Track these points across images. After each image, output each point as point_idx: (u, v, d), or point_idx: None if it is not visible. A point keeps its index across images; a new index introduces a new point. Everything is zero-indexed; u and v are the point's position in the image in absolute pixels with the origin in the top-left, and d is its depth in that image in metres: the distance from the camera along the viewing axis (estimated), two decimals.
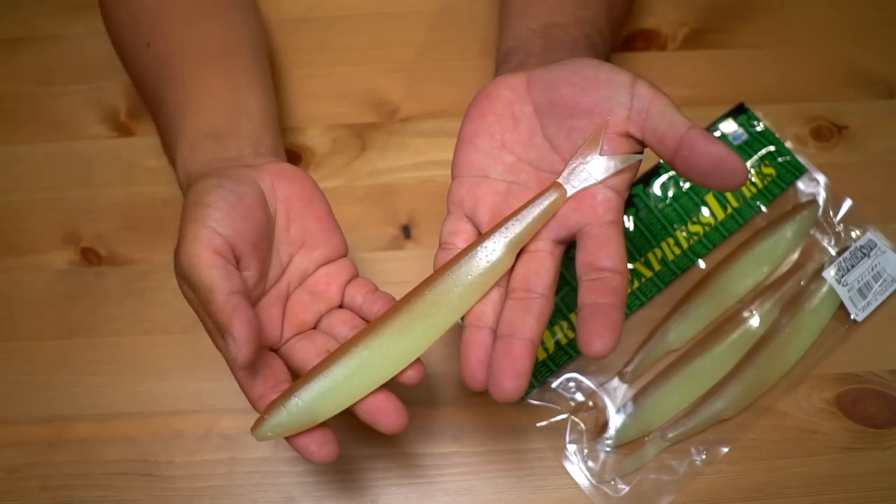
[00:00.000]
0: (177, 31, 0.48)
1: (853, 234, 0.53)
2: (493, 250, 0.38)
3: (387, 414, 0.38)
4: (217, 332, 0.38)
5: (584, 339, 0.34)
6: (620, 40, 0.59)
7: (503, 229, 0.38)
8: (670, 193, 0.54)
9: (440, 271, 0.38)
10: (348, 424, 0.49)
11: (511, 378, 0.35)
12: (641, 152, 0.38)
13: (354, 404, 0.38)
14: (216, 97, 0.46)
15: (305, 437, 0.38)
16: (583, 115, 0.38)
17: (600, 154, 0.38)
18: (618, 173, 0.38)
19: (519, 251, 0.38)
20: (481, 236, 0.38)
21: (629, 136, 0.38)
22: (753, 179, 0.55)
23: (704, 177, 0.36)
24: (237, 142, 0.44)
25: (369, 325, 0.39)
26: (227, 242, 0.38)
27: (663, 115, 0.36)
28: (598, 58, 0.42)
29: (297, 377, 0.39)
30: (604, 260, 0.36)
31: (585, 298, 0.35)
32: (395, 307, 0.39)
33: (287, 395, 0.38)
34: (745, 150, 0.55)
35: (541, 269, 0.38)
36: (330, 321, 0.42)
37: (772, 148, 0.55)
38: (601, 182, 0.38)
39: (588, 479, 0.48)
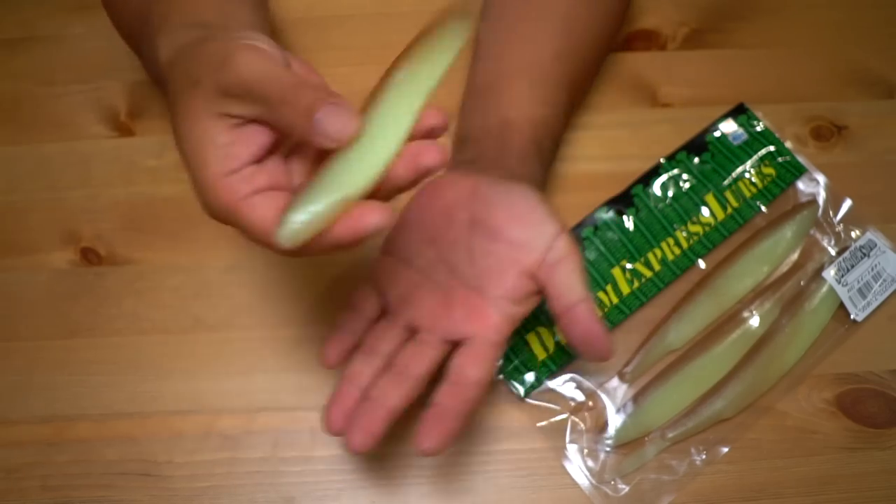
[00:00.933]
0: None
1: (853, 234, 0.53)
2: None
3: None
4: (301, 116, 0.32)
5: (420, 436, 0.39)
6: (620, 40, 0.59)
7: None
8: (670, 193, 0.54)
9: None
10: None
11: (366, 434, 0.40)
12: (539, 295, 0.42)
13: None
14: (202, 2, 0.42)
15: (356, 214, 0.33)
16: (504, 244, 0.42)
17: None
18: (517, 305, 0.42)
19: (411, 335, 0.43)
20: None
21: (533, 277, 0.41)
22: (753, 179, 0.55)
23: (576, 345, 0.41)
24: (227, 29, 0.40)
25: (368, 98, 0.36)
26: (283, 59, 0.35)
27: (567, 277, 0.41)
28: (544, 166, 0.48)
29: None
30: (472, 372, 0.40)
31: (438, 398, 0.40)
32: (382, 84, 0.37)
33: (304, 184, 0.33)
34: (745, 150, 0.55)
35: (423, 357, 0.42)
36: None
37: (772, 148, 0.55)
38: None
39: (588, 479, 0.48)
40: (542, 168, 0.48)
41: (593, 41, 0.52)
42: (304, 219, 0.32)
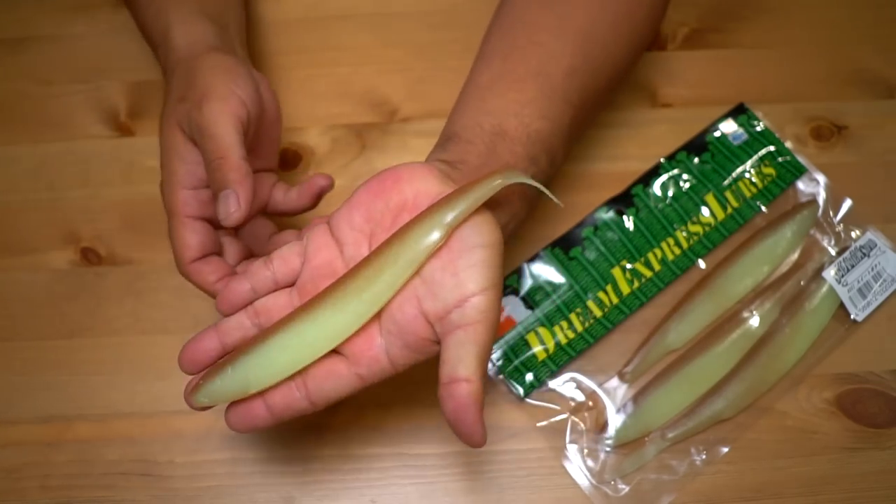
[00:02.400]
0: None
1: (853, 234, 0.53)
2: (429, 231, 0.37)
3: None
4: (215, 188, 0.42)
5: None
6: None
7: (441, 211, 0.37)
8: (670, 193, 0.54)
9: (376, 252, 0.38)
10: (348, 424, 0.49)
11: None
12: (436, 349, 0.37)
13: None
14: None
15: (240, 408, 0.39)
16: (419, 277, 0.37)
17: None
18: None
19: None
20: (417, 217, 0.37)
21: (432, 327, 0.37)
22: (753, 179, 0.55)
23: (447, 420, 0.36)
24: (229, 35, 0.48)
25: (307, 302, 0.39)
26: (247, 120, 0.42)
27: (461, 347, 0.36)
28: (525, 196, 0.42)
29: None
30: (313, 390, 0.38)
31: (270, 394, 0.39)
32: (333, 286, 0.38)
33: (222, 364, 0.39)
34: (745, 150, 0.55)
35: (375, 357, 0.38)
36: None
37: (772, 148, 0.55)
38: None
39: (588, 479, 0.48)
40: (523, 202, 0.43)
41: (612, 64, 0.47)
42: (213, 397, 0.39)
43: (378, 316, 0.38)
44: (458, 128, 0.43)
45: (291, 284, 0.40)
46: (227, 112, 0.42)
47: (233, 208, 0.41)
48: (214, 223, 0.44)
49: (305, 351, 0.38)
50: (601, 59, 0.46)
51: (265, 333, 0.39)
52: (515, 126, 0.42)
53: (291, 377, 0.38)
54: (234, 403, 0.39)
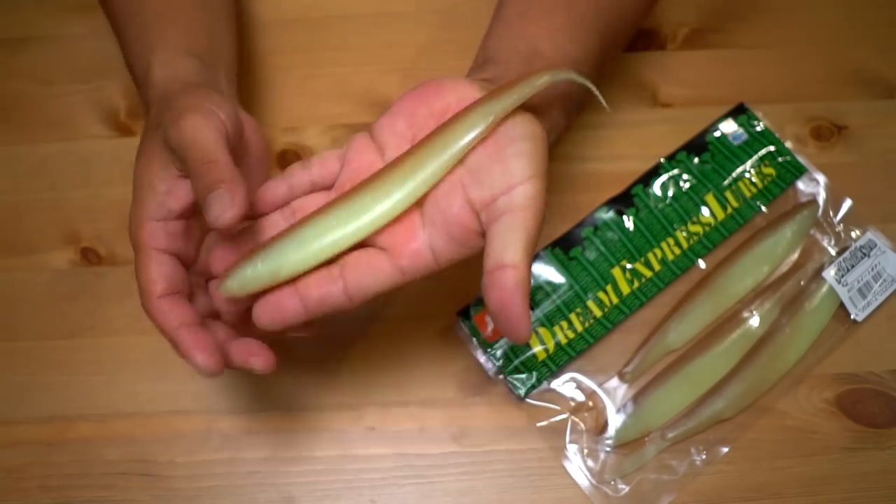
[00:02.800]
0: None
1: (853, 234, 0.53)
2: (474, 122, 0.36)
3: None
4: (201, 192, 0.37)
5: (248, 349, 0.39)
6: None
7: (486, 103, 0.37)
8: (670, 193, 0.54)
9: (418, 143, 0.37)
10: (348, 424, 0.49)
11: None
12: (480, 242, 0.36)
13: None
14: (196, 25, 0.46)
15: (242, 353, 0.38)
16: (463, 166, 0.37)
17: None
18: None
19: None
20: (461, 110, 0.37)
21: (478, 216, 0.36)
22: (753, 179, 0.55)
23: (490, 313, 0.35)
24: (215, 72, 0.44)
25: (345, 192, 0.38)
26: (228, 137, 0.38)
27: (508, 231, 0.35)
28: (566, 111, 0.42)
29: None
30: (351, 281, 0.37)
31: (280, 291, 0.37)
32: (373, 175, 0.37)
33: (252, 251, 0.37)
34: (745, 150, 0.55)
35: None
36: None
37: (772, 148, 0.55)
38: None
39: (588, 479, 0.48)
40: (562, 112, 0.43)
41: (633, 3, 0.49)
42: (243, 285, 0.36)
43: (421, 208, 0.37)
44: (492, 52, 0.43)
45: (329, 188, 0.39)
46: (210, 126, 0.38)
47: (226, 206, 0.35)
48: (183, 259, 0.40)
49: (341, 235, 0.36)
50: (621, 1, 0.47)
51: (299, 221, 0.37)
52: (550, 49, 0.42)
53: (328, 267, 0.37)
54: (262, 296, 0.37)
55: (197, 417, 0.50)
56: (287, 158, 0.56)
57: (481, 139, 0.36)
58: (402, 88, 0.58)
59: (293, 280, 0.37)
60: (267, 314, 0.37)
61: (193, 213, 0.40)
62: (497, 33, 0.45)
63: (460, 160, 0.37)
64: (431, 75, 0.58)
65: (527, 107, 0.38)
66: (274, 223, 0.39)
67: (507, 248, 0.34)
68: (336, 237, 0.36)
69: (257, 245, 0.38)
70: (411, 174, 0.37)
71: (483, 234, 0.36)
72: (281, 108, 0.58)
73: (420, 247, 0.37)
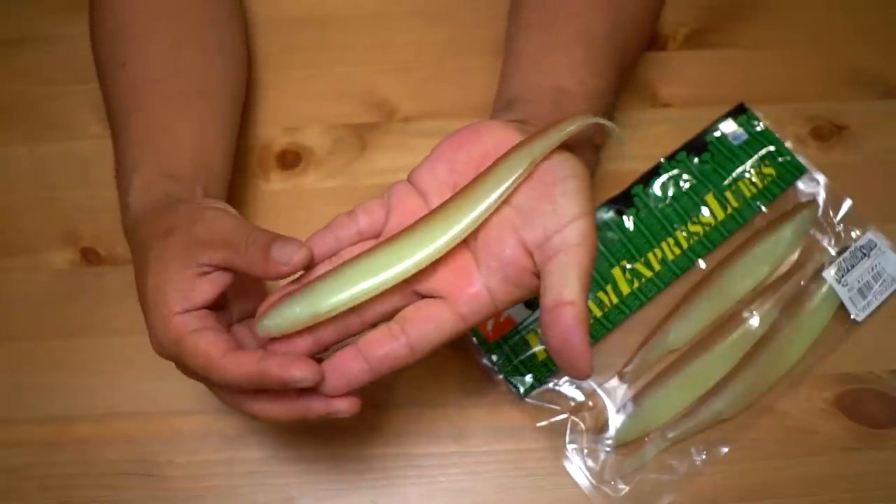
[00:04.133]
0: (155, 58, 0.48)
1: (853, 234, 0.53)
2: (515, 164, 0.37)
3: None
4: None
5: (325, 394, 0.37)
6: None
7: (525, 147, 0.37)
8: (670, 193, 0.54)
9: (462, 188, 0.37)
10: (348, 424, 0.49)
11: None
12: (536, 283, 0.36)
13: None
14: (182, 145, 0.46)
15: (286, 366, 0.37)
16: (511, 207, 0.37)
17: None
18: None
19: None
20: (502, 155, 0.37)
21: (531, 256, 0.36)
22: (753, 179, 0.55)
23: (551, 350, 0.35)
24: (192, 187, 0.44)
25: (392, 235, 0.38)
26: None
27: (566, 269, 0.35)
28: (594, 144, 0.44)
29: None
30: (413, 333, 0.37)
31: (340, 353, 0.37)
32: (418, 220, 0.38)
33: (291, 291, 0.37)
34: (745, 150, 0.55)
35: (384, 300, 0.38)
36: None
37: (772, 148, 0.55)
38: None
39: (588, 479, 0.48)
40: (593, 150, 0.44)
41: (637, 27, 0.51)
42: (282, 323, 0.36)
43: (474, 253, 0.37)
44: (515, 92, 0.44)
45: (376, 237, 0.39)
46: (232, 215, 0.39)
47: (295, 249, 0.36)
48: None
49: (386, 274, 0.36)
50: (628, 24, 0.48)
51: (342, 263, 0.37)
52: (573, 84, 0.43)
53: (387, 325, 0.37)
54: (327, 363, 0.37)
55: (197, 417, 0.50)
56: (287, 158, 0.56)
57: (523, 180, 0.37)
58: (403, 88, 0.59)
59: (354, 343, 0.37)
60: (333, 381, 0.37)
61: (217, 307, 0.40)
62: (517, 72, 0.45)
63: (507, 202, 0.37)
64: (431, 75, 0.59)
65: (564, 147, 0.38)
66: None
67: (565, 285, 0.35)
68: (378, 279, 0.36)
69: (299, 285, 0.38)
70: (456, 217, 0.37)
71: (538, 274, 0.36)
72: (281, 108, 0.58)
73: (478, 290, 0.37)
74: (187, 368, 0.39)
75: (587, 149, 0.42)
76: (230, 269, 0.38)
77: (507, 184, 0.36)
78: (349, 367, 0.37)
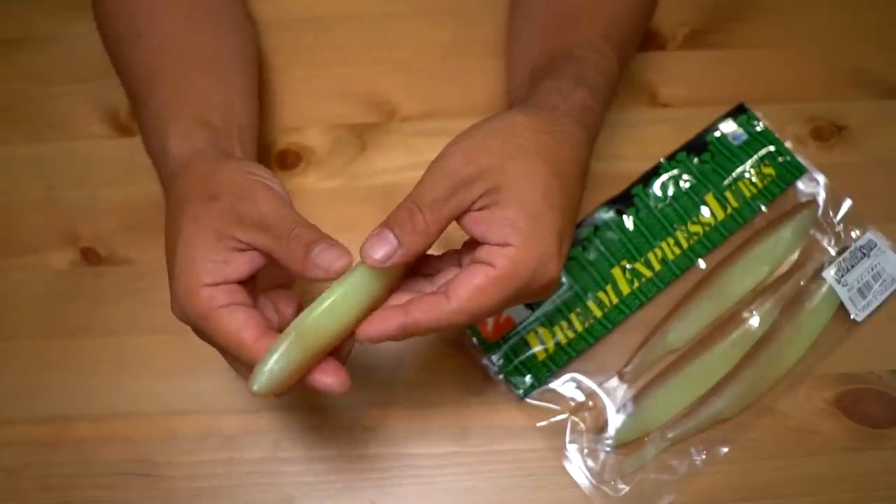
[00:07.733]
0: (171, 29, 0.48)
1: (853, 234, 0.53)
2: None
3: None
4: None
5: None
6: None
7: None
8: (670, 193, 0.54)
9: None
10: (348, 424, 0.49)
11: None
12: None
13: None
14: (213, 101, 0.46)
15: (315, 374, 0.37)
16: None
17: None
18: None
19: None
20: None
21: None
22: (753, 179, 0.55)
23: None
24: (230, 140, 0.44)
25: None
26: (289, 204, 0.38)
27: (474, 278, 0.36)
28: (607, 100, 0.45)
29: None
30: (421, 317, 0.37)
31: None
32: None
33: (275, 342, 0.36)
34: (745, 150, 0.55)
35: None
36: None
37: (772, 148, 0.55)
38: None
39: (588, 479, 0.48)
40: (604, 105, 0.45)
41: (632, 22, 0.51)
42: (273, 378, 0.35)
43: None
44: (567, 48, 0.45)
45: None
46: (280, 198, 0.38)
47: (336, 255, 0.35)
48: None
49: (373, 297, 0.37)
50: (626, 26, 0.49)
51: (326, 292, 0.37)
52: (592, 61, 0.45)
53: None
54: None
55: (195, 417, 0.50)
56: (287, 158, 0.56)
57: None
58: (403, 88, 0.59)
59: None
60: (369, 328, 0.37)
61: (249, 283, 0.38)
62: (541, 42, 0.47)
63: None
64: (432, 75, 0.59)
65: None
66: None
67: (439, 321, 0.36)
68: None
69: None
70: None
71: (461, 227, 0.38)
72: (281, 108, 0.58)
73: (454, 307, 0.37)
74: (207, 337, 0.38)
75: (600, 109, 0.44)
76: (266, 254, 0.37)
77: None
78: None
